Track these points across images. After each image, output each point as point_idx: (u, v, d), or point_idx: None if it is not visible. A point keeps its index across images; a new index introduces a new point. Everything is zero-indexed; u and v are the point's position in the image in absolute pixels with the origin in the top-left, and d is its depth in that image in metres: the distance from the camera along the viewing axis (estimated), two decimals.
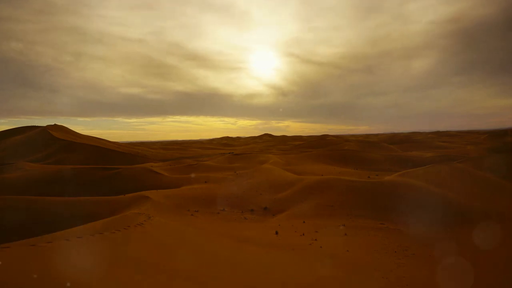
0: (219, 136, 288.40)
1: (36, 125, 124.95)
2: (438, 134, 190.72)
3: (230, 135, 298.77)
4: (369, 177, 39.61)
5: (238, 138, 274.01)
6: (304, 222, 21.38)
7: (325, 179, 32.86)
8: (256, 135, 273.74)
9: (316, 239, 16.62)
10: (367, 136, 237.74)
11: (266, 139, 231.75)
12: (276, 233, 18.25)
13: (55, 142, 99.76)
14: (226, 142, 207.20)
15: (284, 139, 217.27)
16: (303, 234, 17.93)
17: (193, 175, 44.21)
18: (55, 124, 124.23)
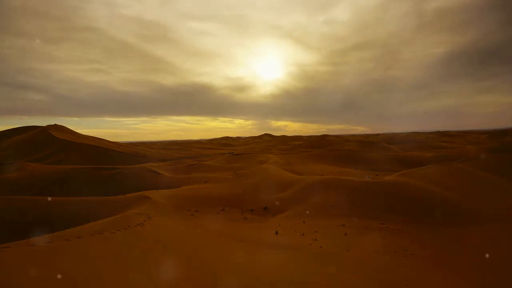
0: (217, 136, 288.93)
1: (35, 125, 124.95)
2: (438, 134, 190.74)
3: (226, 135, 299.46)
4: (369, 177, 39.62)
5: (238, 138, 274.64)
6: (304, 222, 21.38)
7: (325, 179, 32.87)
8: (256, 135, 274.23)
9: (316, 239, 16.62)
10: (367, 136, 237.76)
11: (266, 139, 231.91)
12: (276, 233, 18.24)
13: (55, 142, 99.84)
14: (226, 142, 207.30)
15: (284, 139, 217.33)
16: (303, 234, 17.92)
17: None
18: (55, 124, 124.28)
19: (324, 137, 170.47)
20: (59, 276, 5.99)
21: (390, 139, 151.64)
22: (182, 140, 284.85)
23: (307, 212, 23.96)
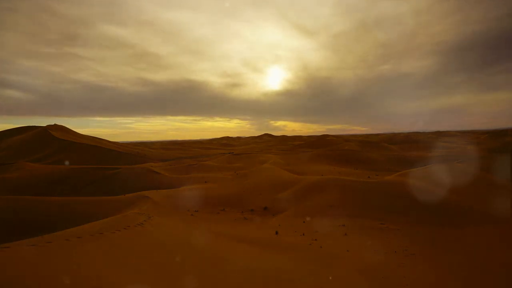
0: (216, 136, 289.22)
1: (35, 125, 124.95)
2: (438, 134, 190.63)
3: (225, 135, 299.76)
4: (369, 177, 39.64)
5: (238, 138, 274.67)
6: (304, 222, 21.38)
7: (325, 179, 32.87)
8: (255, 135, 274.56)
9: (316, 239, 16.62)
10: (367, 136, 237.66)
11: (266, 139, 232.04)
12: (276, 233, 18.25)
13: (55, 142, 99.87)
14: (226, 142, 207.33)
15: (284, 139, 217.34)
16: (303, 234, 17.93)
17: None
18: (55, 124, 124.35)
19: (324, 137, 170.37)
20: (59, 276, 5.99)
21: (390, 139, 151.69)
22: (182, 140, 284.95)
23: (307, 212, 23.95)
